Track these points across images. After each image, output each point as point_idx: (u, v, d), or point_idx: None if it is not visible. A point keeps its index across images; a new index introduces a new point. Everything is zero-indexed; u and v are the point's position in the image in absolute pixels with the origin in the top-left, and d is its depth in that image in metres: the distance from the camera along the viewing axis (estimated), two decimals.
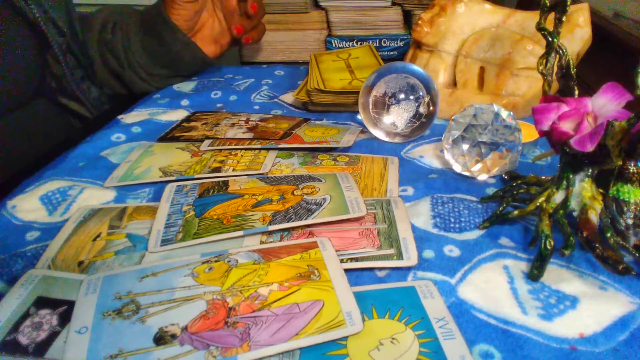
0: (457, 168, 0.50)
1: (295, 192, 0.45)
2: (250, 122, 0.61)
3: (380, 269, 0.38)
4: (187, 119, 0.64)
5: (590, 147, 0.34)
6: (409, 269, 0.38)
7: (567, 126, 0.37)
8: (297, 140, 0.56)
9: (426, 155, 0.55)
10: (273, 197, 0.45)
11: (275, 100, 0.73)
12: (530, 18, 0.62)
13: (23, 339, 0.31)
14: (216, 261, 0.37)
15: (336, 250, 0.38)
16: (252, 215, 0.42)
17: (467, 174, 0.50)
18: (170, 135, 0.60)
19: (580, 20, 0.60)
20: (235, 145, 0.55)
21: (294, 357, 0.30)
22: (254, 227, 0.41)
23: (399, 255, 0.38)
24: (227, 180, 0.48)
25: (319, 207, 0.43)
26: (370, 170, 0.51)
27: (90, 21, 0.73)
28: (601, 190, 0.39)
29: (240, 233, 0.40)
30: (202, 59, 0.74)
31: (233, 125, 0.60)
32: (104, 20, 0.73)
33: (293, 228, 0.41)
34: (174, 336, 0.31)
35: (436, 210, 0.44)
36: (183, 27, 0.70)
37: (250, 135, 0.57)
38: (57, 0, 0.64)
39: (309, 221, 0.41)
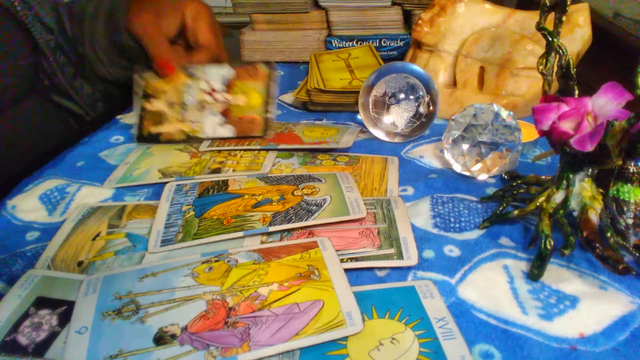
0: (457, 168, 0.50)
1: (295, 193, 0.45)
2: (217, 97, 0.58)
3: (381, 268, 0.38)
4: (145, 94, 0.58)
5: (590, 147, 0.34)
6: (409, 268, 0.38)
7: (567, 126, 0.37)
8: (296, 141, 0.56)
9: (426, 155, 0.55)
10: (273, 198, 0.45)
11: (275, 100, 0.73)
12: (530, 18, 0.62)
13: (23, 339, 0.31)
14: (216, 261, 0.37)
15: (336, 250, 0.38)
16: (252, 215, 0.42)
17: (467, 173, 0.50)
18: (148, 135, 0.57)
19: (580, 20, 0.60)
20: (234, 146, 0.55)
21: (294, 357, 0.30)
22: (254, 228, 0.41)
23: (399, 255, 0.38)
24: (227, 180, 0.48)
25: (319, 208, 0.43)
26: (370, 170, 0.51)
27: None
28: (601, 190, 0.39)
29: (241, 234, 0.40)
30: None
31: (203, 106, 0.57)
32: None
33: (293, 229, 0.41)
34: (173, 336, 0.31)
35: (436, 210, 0.44)
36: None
37: (230, 130, 0.56)
38: None
39: (309, 222, 0.41)
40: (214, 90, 0.58)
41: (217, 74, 0.58)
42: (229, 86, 0.58)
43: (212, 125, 0.57)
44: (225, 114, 0.57)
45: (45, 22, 0.62)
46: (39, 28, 0.61)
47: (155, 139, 0.57)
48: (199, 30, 0.63)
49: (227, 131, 0.57)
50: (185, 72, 0.58)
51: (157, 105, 0.58)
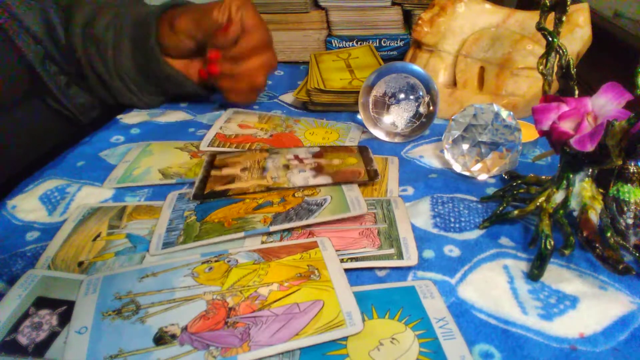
0: (457, 168, 0.50)
1: (296, 194, 0.45)
2: (306, 162, 0.51)
3: (380, 268, 0.38)
4: (211, 166, 0.51)
5: (590, 147, 0.34)
6: (409, 268, 0.38)
7: (567, 126, 0.37)
8: (296, 145, 0.56)
9: (426, 155, 0.55)
10: (274, 200, 0.45)
11: (275, 100, 0.73)
12: (530, 18, 0.62)
13: (23, 339, 0.31)
14: (216, 261, 0.37)
15: (336, 250, 0.38)
16: (253, 217, 0.42)
17: (467, 173, 0.50)
18: (210, 192, 0.46)
19: (580, 20, 0.60)
20: (235, 147, 0.55)
21: (294, 357, 0.30)
22: (255, 229, 0.41)
23: (399, 255, 0.38)
24: None
25: (320, 208, 0.43)
26: None
27: (74, 12, 0.63)
28: (601, 190, 0.39)
29: (242, 234, 0.40)
30: (192, 88, 0.65)
31: (288, 167, 0.49)
32: (94, 12, 0.63)
33: (294, 228, 0.41)
34: (173, 336, 0.31)
35: (436, 210, 0.44)
36: (175, 54, 0.62)
37: (326, 179, 0.48)
38: (31, 6, 0.60)
39: (310, 221, 0.41)
40: (301, 158, 0.51)
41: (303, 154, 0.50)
42: (318, 156, 0.52)
43: (302, 178, 0.48)
44: (318, 170, 0.49)
45: (32, 31, 0.59)
46: (25, 38, 0.59)
47: (221, 194, 0.46)
48: (246, 14, 0.59)
49: (322, 180, 0.47)
50: (265, 151, 0.53)
51: (228, 171, 0.49)
